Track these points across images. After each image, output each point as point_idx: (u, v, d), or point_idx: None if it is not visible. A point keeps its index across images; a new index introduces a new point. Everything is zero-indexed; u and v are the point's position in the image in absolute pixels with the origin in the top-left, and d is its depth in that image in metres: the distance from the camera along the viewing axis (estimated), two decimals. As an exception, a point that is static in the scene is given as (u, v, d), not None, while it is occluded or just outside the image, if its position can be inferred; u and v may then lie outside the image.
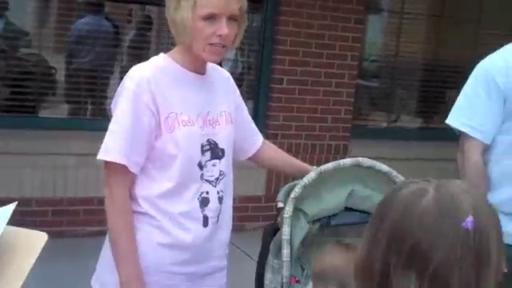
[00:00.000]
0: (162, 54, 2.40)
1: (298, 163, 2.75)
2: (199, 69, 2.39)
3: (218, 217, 2.41)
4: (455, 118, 2.91)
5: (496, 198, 2.77)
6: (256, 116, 5.97)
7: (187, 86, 2.35)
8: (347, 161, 2.55)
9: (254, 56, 6.39)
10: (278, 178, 5.98)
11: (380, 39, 7.57)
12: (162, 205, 2.31)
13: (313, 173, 2.50)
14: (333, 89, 6.29)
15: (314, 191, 2.52)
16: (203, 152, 2.35)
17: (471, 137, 2.85)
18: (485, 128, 2.84)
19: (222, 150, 2.42)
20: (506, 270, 1.44)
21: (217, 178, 2.40)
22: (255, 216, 6.04)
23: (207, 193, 2.37)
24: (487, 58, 2.92)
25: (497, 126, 2.84)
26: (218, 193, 2.41)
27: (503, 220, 2.93)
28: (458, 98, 2.94)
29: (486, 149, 2.87)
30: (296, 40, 6.09)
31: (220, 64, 2.64)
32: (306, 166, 2.68)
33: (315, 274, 2.25)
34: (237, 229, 6.20)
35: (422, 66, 7.48)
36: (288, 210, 2.46)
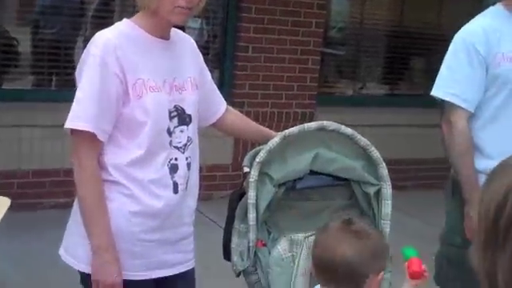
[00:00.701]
0: (125, 20, 2.38)
1: (262, 129, 2.77)
2: (163, 34, 2.37)
3: (186, 183, 2.42)
4: (439, 89, 2.97)
5: (484, 164, 2.85)
6: (222, 85, 5.95)
7: (152, 51, 2.34)
8: (312, 124, 2.57)
9: (218, 24, 6.36)
10: (245, 146, 5.99)
11: (345, 6, 7.57)
12: (133, 173, 2.30)
13: (277, 137, 2.51)
14: (298, 56, 6.29)
15: (279, 155, 2.53)
16: (171, 118, 2.35)
17: (456, 106, 2.91)
18: (469, 96, 2.89)
19: (189, 116, 2.42)
20: None
21: (185, 145, 2.40)
22: (223, 185, 6.06)
23: (176, 159, 2.37)
24: (464, 28, 2.97)
25: (480, 93, 2.90)
26: (187, 159, 2.41)
27: None
28: (441, 68, 2.99)
29: (470, 116, 2.93)
30: (261, 7, 6.06)
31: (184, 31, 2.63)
32: (270, 131, 2.69)
33: (322, 260, 2.06)
34: (204, 198, 6.24)
35: (388, 33, 7.50)
36: (253, 175, 2.47)
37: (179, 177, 2.38)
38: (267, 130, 2.74)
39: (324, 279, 2.03)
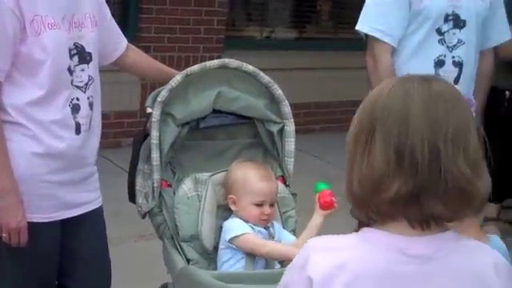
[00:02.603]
0: None
1: (164, 68, 2.73)
2: None
3: (89, 123, 2.38)
4: (365, 24, 3.02)
5: None
6: (127, 28, 5.78)
7: None
8: (214, 62, 2.55)
9: (122, -34, 6.18)
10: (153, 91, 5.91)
11: None
12: (33, 113, 2.24)
13: (179, 75, 2.48)
14: (204, -2, 6.21)
15: (182, 94, 2.51)
16: (71, 56, 2.28)
17: (381, 41, 2.97)
18: (393, 32, 2.96)
19: (90, 54, 2.36)
20: None
21: (86, 84, 2.35)
22: (131, 131, 5.96)
23: (78, 99, 2.32)
24: None
25: (404, 29, 2.97)
26: (88, 98, 2.36)
27: None
28: (366, 3, 3.03)
29: (393, 51, 3.00)
30: (165, -51, 5.92)
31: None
32: (173, 70, 2.66)
33: None
34: (113, 145, 6.10)
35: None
36: (156, 114, 2.45)
37: (81, 117, 2.33)
38: (170, 68, 2.70)
39: None
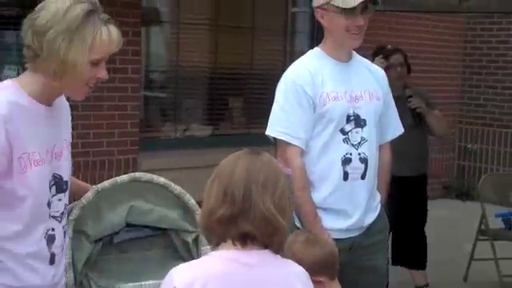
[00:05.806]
0: (10, 83, 2.19)
1: (75, 182, 2.70)
2: (50, 101, 2.24)
3: (61, 252, 2.32)
4: (273, 129, 3.10)
5: (316, 197, 3.06)
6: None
7: (39, 120, 2.19)
8: (124, 177, 2.56)
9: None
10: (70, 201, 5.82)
11: (161, 50, 7.63)
12: (8, 247, 2.15)
13: (90, 193, 2.48)
14: (117, 103, 6.24)
15: (94, 211, 2.50)
16: (50, 188, 2.23)
17: (290, 144, 3.05)
18: (301, 135, 3.05)
19: (66, 183, 2.31)
20: None
21: (62, 213, 2.30)
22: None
23: (53, 230, 2.25)
24: (292, 68, 3.15)
25: (310, 131, 3.07)
26: (63, 227, 2.31)
27: (324, 216, 3.09)
28: (273, 109, 3.12)
29: (302, 152, 3.07)
30: (74, 56, 5.96)
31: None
32: (84, 185, 2.62)
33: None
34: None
35: (205, 74, 7.65)
36: (68, 233, 2.42)
37: (56, 247, 2.27)
38: (80, 183, 2.66)
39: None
